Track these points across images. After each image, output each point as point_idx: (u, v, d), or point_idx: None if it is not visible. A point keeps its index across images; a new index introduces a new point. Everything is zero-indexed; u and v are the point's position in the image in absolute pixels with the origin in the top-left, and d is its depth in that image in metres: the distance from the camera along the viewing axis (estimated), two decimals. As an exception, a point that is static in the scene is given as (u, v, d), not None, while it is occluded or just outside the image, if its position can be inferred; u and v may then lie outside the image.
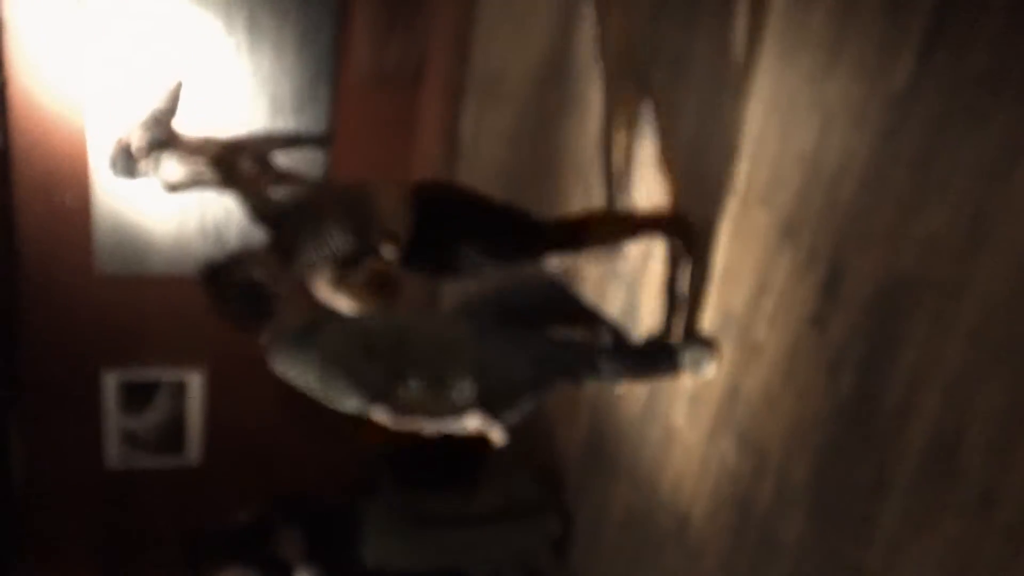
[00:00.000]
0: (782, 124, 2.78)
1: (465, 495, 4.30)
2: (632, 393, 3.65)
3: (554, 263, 3.63)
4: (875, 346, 2.39)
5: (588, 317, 3.39)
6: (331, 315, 3.08)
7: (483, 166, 4.67)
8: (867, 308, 2.42)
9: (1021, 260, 1.97)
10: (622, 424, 3.76)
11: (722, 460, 3.05)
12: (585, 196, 4.09)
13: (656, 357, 3.19)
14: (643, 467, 3.58)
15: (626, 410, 3.72)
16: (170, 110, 4.98)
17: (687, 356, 3.12)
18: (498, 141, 4.66)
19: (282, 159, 5.20)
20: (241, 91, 5.08)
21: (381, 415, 2.96)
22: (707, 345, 3.09)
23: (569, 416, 4.28)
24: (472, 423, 2.99)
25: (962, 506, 2.12)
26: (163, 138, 5.00)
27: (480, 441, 3.21)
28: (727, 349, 3.03)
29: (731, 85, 3.02)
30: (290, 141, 5.26)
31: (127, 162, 5.04)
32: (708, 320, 3.14)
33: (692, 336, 3.19)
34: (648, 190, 3.54)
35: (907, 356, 2.28)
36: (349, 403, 2.95)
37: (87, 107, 4.98)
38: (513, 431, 3.08)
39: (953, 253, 2.15)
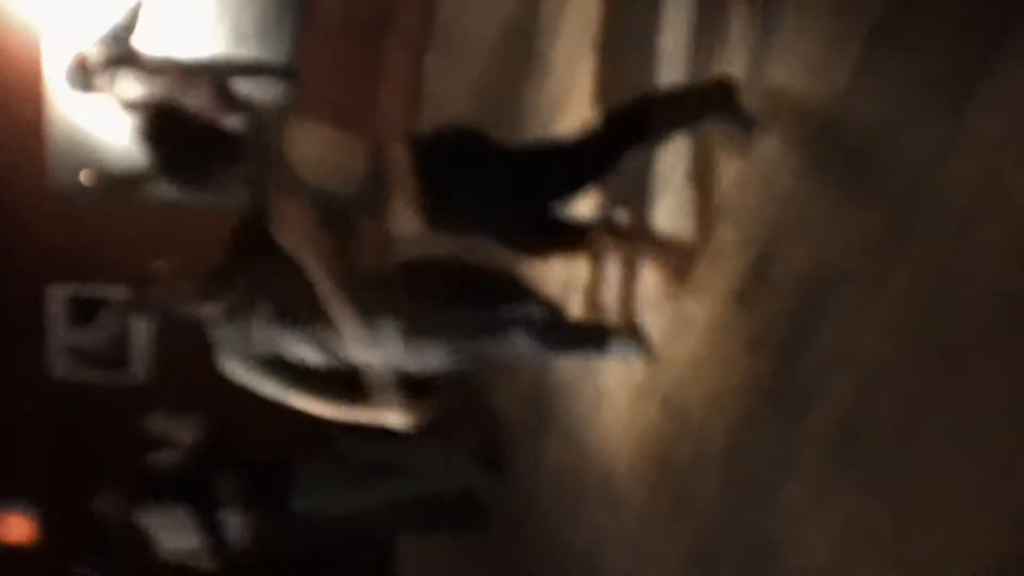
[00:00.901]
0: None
1: (404, 444, 4.39)
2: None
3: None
4: (794, 329, 2.50)
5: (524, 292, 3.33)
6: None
7: (445, 118, 4.70)
8: (791, 293, 2.53)
9: (938, 263, 2.08)
10: (559, 381, 3.89)
11: (647, 421, 3.18)
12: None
13: (586, 339, 3.24)
14: (575, 423, 3.72)
15: (563, 368, 3.84)
16: (129, 27, 4.92)
17: (617, 345, 3.18)
18: (461, 94, 4.68)
19: (243, 87, 5.16)
20: (203, 15, 5.02)
21: (301, 403, 3.00)
22: (640, 342, 3.17)
23: (510, 370, 4.39)
24: (388, 416, 3.00)
25: (858, 485, 2.25)
26: (121, 55, 4.94)
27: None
28: (661, 320, 3.14)
29: (688, 67, 3.08)
30: (251, 69, 5.22)
31: (84, 76, 4.98)
32: (642, 291, 3.24)
33: (631, 329, 3.23)
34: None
35: (822, 342, 2.40)
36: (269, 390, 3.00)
37: (45, 19, 4.90)
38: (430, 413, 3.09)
39: (876, 250, 2.26)
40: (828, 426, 2.35)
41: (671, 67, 3.15)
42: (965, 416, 1.96)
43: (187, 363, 5.89)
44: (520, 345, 3.07)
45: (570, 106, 3.90)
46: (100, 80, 4.98)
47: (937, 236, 2.08)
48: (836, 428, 2.33)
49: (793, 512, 2.45)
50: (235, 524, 4.22)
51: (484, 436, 4.52)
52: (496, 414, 4.53)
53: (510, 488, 4.39)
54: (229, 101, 5.06)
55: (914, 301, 2.13)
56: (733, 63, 2.81)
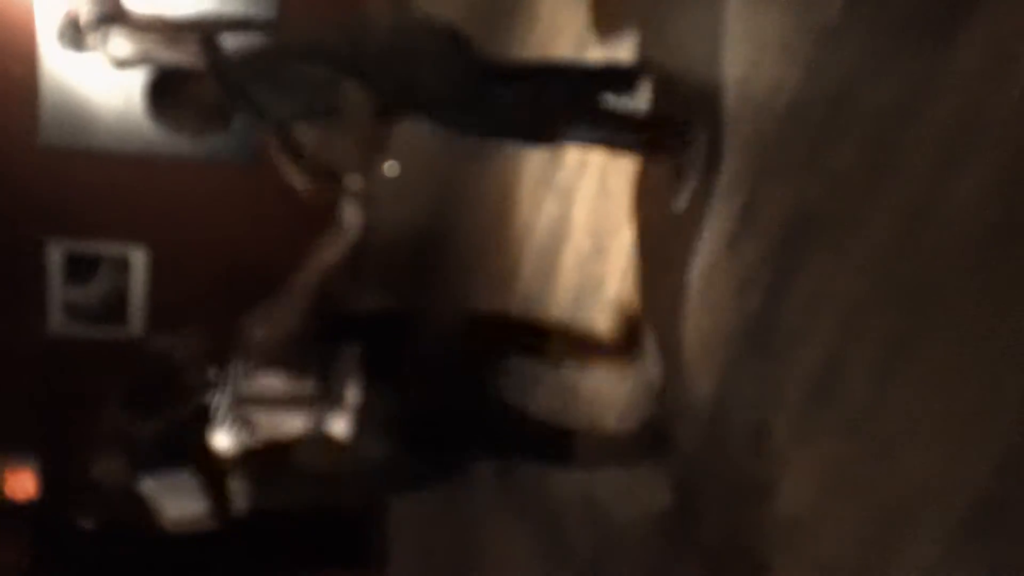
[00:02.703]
0: (718, 49, 2.85)
1: None
2: (559, 300, 3.79)
3: None
4: (780, 272, 2.52)
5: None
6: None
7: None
8: (777, 235, 2.55)
9: (915, 202, 2.09)
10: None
11: (637, 369, 3.22)
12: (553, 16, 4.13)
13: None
14: (563, 373, 3.73)
15: (553, 313, 3.86)
16: (119, -16, 4.91)
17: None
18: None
19: (230, 41, 5.15)
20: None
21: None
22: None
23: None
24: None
25: (841, 426, 2.28)
26: (111, 13, 4.94)
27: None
28: (649, 266, 3.16)
29: (674, 7, 3.08)
30: (239, 24, 5.21)
31: (75, 35, 4.98)
32: (628, 236, 3.26)
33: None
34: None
35: (806, 283, 2.42)
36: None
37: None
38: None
39: (856, 190, 2.27)
40: (811, 368, 2.38)
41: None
42: (946, 356, 1.97)
43: (184, 318, 5.97)
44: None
45: (556, 54, 3.90)
46: (91, 38, 4.99)
47: (915, 174, 2.09)
48: (819, 370, 2.35)
49: (780, 453, 2.48)
50: (239, 487, 4.21)
51: None
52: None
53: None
54: (217, 56, 5.05)
55: (893, 240, 2.14)
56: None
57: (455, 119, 3.11)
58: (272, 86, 3.04)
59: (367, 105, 2.89)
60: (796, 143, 2.49)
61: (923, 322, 2.04)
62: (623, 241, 3.35)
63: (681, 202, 2.93)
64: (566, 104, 3.10)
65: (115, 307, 5.96)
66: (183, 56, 5.08)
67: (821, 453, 2.33)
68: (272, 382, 2.98)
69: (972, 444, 1.88)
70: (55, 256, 5.68)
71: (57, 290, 5.80)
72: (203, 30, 5.13)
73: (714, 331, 2.80)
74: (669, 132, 2.97)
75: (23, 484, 6.14)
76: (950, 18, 2.02)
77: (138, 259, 5.81)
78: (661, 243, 3.10)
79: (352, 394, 3.08)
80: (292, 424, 2.98)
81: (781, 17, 2.57)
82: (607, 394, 3.40)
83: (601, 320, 3.46)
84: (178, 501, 4.33)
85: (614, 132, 3.08)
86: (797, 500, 2.39)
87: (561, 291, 3.81)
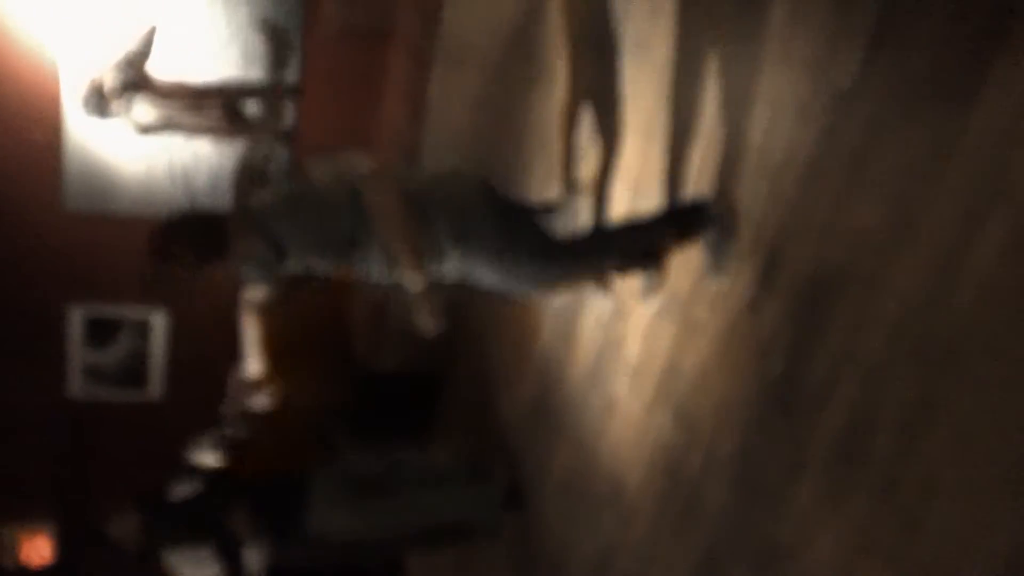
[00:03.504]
0: (735, 113, 2.87)
1: (411, 459, 4.40)
2: (578, 360, 3.79)
3: None
4: (803, 333, 2.51)
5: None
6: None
7: (448, 128, 4.73)
8: (798, 296, 2.54)
9: (940, 260, 2.09)
10: (567, 389, 3.90)
11: (658, 431, 3.19)
12: (548, 165, 4.18)
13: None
14: (584, 432, 3.73)
15: (572, 375, 3.85)
16: (143, 53, 5.03)
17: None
18: (464, 104, 4.71)
19: (251, 108, 5.25)
20: (213, 40, 5.11)
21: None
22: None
23: (517, 376, 4.41)
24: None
25: (868, 489, 2.26)
26: (135, 80, 5.05)
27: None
28: (671, 327, 3.15)
29: (690, 71, 3.11)
30: (262, 90, 5.30)
31: (99, 102, 5.09)
32: (654, 301, 3.26)
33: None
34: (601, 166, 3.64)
35: (830, 345, 2.41)
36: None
37: (60, 45, 4.99)
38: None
39: (879, 249, 2.27)
40: (836, 429, 2.36)
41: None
42: (973, 416, 1.96)
43: (202, 381, 5.99)
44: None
45: (576, 115, 3.93)
46: (115, 105, 5.09)
47: (938, 232, 2.09)
48: (844, 431, 2.33)
49: (802, 516, 2.45)
50: (252, 555, 4.24)
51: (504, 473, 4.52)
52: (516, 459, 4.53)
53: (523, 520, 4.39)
54: (239, 122, 5.15)
55: (919, 300, 2.14)
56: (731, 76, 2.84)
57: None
58: (296, 224, 2.90)
59: (392, 198, 2.87)
60: (816, 204, 2.50)
61: (951, 380, 2.02)
62: (643, 302, 3.35)
63: (715, 273, 2.93)
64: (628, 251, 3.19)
65: (135, 370, 5.98)
66: (206, 122, 5.19)
67: (848, 515, 2.31)
68: None
69: (1003, 505, 1.86)
70: (76, 319, 5.72)
71: (78, 353, 5.83)
72: (226, 96, 5.25)
73: (736, 394, 2.78)
74: (696, 217, 2.97)
75: (39, 549, 6.12)
76: (968, 78, 2.03)
77: (159, 323, 5.85)
78: (682, 304, 3.09)
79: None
80: None
81: (797, 80, 2.59)
82: (627, 452, 3.38)
83: (621, 381, 3.45)
84: (194, 567, 4.32)
85: (651, 245, 3.15)
86: (823, 564, 2.36)
87: (582, 352, 3.80)
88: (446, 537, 4.52)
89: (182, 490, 4.19)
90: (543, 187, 4.22)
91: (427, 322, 2.96)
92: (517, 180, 4.48)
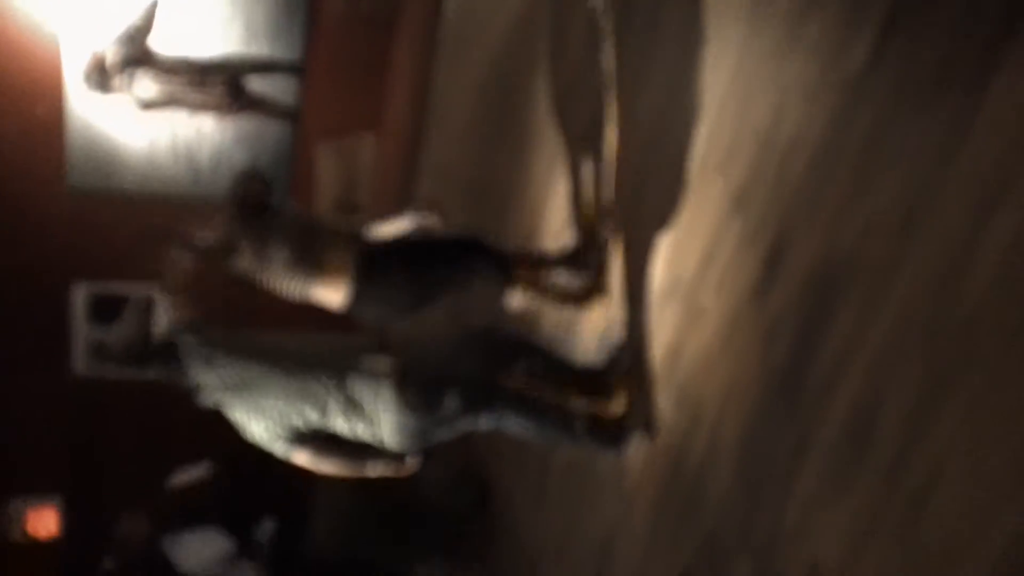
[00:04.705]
0: (742, 98, 2.85)
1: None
2: (586, 336, 3.78)
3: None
4: (809, 320, 2.50)
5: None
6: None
7: (452, 116, 4.71)
8: (805, 283, 2.53)
9: (948, 249, 2.08)
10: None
11: (661, 414, 3.19)
12: (551, 153, 4.16)
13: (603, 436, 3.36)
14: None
15: (583, 341, 3.84)
16: (145, 28, 4.99)
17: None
18: (468, 93, 4.69)
19: (255, 84, 5.22)
20: (216, 15, 5.07)
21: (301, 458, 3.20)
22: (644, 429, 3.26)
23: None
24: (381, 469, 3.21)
25: (873, 473, 2.25)
26: (137, 55, 5.02)
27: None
28: (675, 311, 3.14)
29: (699, 55, 3.08)
30: (263, 67, 5.27)
31: (101, 77, 5.06)
32: (658, 282, 3.25)
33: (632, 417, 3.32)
34: (609, 151, 3.62)
35: (837, 331, 2.40)
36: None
37: (62, 21, 4.96)
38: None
39: (888, 237, 2.25)
40: (842, 416, 2.36)
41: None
42: (980, 400, 1.96)
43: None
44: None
45: (581, 97, 3.91)
46: (117, 80, 5.06)
47: (950, 219, 2.08)
48: (850, 418, 2.33)
49: (808, 499, 2.46)
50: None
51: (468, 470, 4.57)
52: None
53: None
54: (242, 98, 5.12)
55: (927, 288, 2.13)
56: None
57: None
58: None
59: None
60: (824, 189, 2.48)
61: (958, 370, 2.02)
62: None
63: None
64: None
65: (140, 347, 5.97)
66: (209, 98, 5.16)
67: (853, 501, 2.31)
68: None
69: (1007, 494, 1.86)
70: (79, 297, 5.71)
71: (81, 331, 5.83)
72: (229, 72, 5.21)
73: (740, 380, 2.78)
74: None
75: (46, 523, 6.16)
76: (980, 64, 2.01)
77: (164, 299, 5.83)
78: (687, 288, 3.09)
79: None
80: None
81: (805, 65, 2.57)
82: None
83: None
84: (198, 563, 4.36)
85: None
86: (828, 549, 2.36)
87: (587, 336, 3.79)
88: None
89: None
90: (546, 176, 4.21)
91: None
92: (519, 171, 4.48)
